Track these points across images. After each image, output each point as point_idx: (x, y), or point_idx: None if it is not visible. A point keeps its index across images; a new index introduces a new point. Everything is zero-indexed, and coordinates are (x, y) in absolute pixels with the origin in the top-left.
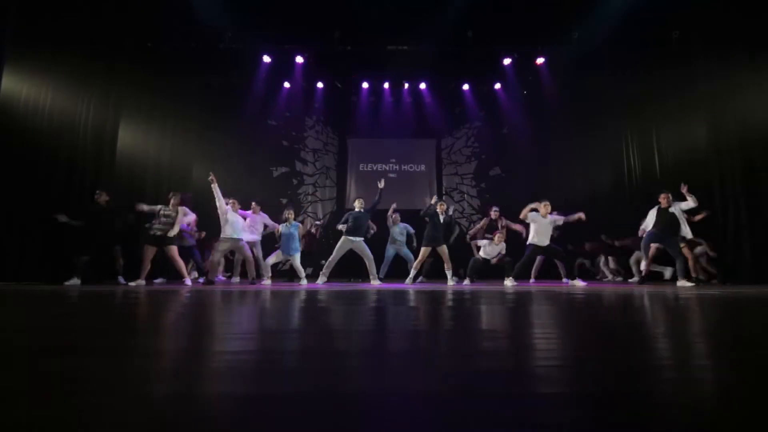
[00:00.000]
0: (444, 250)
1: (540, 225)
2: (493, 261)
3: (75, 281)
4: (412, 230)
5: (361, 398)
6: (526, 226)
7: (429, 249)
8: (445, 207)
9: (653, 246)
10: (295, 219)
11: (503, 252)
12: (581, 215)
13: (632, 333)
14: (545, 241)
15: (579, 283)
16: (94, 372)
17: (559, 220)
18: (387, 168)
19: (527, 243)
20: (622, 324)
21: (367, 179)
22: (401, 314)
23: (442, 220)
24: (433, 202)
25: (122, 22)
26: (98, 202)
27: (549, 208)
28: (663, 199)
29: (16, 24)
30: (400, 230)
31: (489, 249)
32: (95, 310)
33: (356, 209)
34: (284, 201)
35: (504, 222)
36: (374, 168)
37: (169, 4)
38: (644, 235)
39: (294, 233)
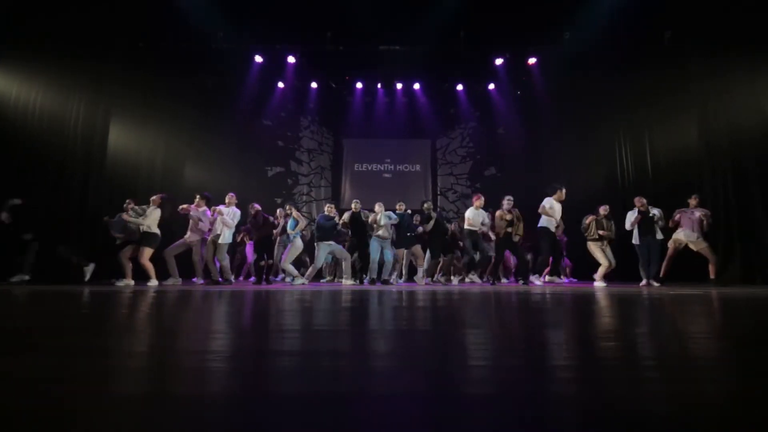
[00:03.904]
0: (417, 250)
1: (553, 209)
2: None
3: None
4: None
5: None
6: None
7: (402, 250)
8: (403, 207)
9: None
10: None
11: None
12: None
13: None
14: (554, 225)
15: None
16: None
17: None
18: (382, 168)
19: (539, 226)
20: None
21: (361, 179)
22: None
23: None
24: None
25: (114, 22)
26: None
27: (563, 195)
28: (639, 202)
29: (6, 24)
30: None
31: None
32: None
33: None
34: (279, 201)
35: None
36: (369, 168)
37: (161, 5)
38: (637, 247)
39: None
